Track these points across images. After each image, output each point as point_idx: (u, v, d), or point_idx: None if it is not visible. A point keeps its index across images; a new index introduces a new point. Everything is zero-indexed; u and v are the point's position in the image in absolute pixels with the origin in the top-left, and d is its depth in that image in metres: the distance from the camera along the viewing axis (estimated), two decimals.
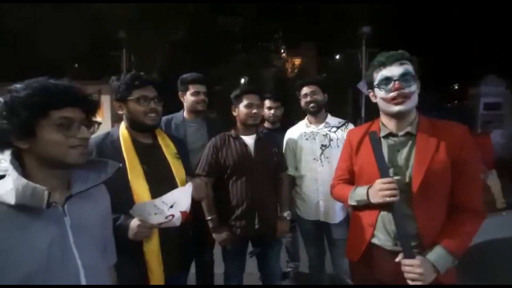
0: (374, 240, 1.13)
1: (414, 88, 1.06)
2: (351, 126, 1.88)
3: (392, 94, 1.06)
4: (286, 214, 1.75)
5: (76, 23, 13.27)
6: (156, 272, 1.19)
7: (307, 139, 1.90)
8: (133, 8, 13.42)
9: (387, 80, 1.07)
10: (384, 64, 1.08)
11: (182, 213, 1.15)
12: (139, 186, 1.18)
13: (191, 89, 1.94)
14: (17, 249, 0.66)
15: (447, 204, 1.06)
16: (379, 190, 1.05)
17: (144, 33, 13.87)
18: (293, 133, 1.99)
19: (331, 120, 1.93)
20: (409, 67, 1.06)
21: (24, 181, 0.68)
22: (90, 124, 0.80)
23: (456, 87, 22.09)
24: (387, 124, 1.14)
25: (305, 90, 1.92)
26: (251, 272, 1.90)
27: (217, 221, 1.64)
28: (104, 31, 13.50)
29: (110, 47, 14.22)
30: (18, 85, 0.71)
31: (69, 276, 0.73)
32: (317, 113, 1.92)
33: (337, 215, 1.81)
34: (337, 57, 18.17)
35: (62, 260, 0.72)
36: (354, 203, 1.18)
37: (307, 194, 1.88)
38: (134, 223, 1.10)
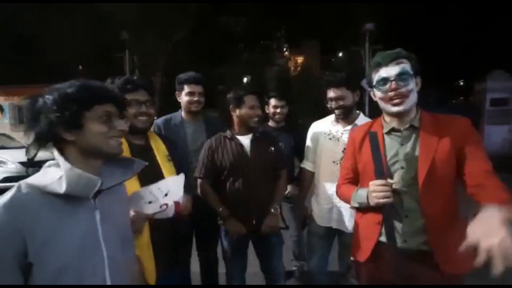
0: (382, 238, 1.12)
1: (411, 86, 1.06)
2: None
3: (389, 94, 1.06)
4: (274, 208, 1.68)
5: (79, 25, 13.36)
6: (147, 266, 1.21)
7: (330, 139, 1.76)
8: (136, 9, 13.47)
9: (384, 80, 1.07)
10: (380, 65, 1.09)
11: (175, 203, 1.19)
12: (132, 187, 1.19)
13: (186, 89, 1.92)
14: (57, 238, 0.72)
15: (452, 198, 1.06)
16: (372, 191, 1.05)
17: (147, 34, 13.91)
18: (317, 129, 1.88)
19: (362, 121, 1.71)
20: (406, 65, 1.06)
21: (78, 171, 0.74)
22: (123, 118, 0.88)
23: (462, 83, 21.80)
24: (389, 121, 1.14)
25: (330, 93, 1.72)
26: (256, 272, 1.89)
27: (226, 211, 1.63)
28: (107, 33, 13.57)
29: (113, 49, 14.30)
30: (61, 85, 0.79)
31: (96, 266, 0.78)
32: (346, 117, 1.74)
33: (351, 224, 1.69)
34: (340, 54, 18.04)
35: (92, 251, 0.78)
36: (356, 205, 1.17)
37: (322, 198, 1.79)
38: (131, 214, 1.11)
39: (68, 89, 0.77)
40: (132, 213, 1.12)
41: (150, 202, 1.15)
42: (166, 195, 1.17)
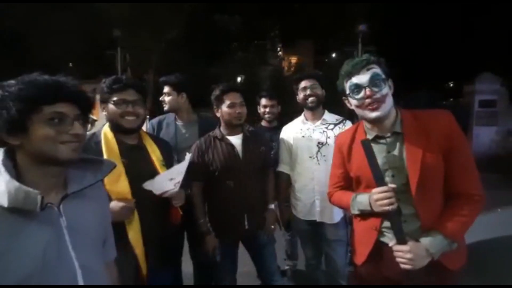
0: (383, 239, 1.12)
1: (386, 90, 1.05)
2: (348, 123, 1.84)
3: (366, 101, 1.06)
4: (273, 205, 1.74)
5: (71, 22, 13.11)
6: (141, 258, 1.22)
7: (303, 136, 1.85)
8: (128, 7, 13.28)
9: (357, 88, 1.07)
10: (351, 73, 1.09)
11: (182, 180, 1.31)
12: (120, 183, 1.21)
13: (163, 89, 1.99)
14: (11, 252, 0.66)
15: (444, 194, 1.06)
16: (376, 200, 1.05)
17: (139, 31, 13.74)
18: (289, 130, 1.95)
19: (328, 117, 1.87)
20: (377, 70, 1.06)
21: (16, 184, 0.66)
22: (85, 120, 0.78)
23: (452, 84, 22.25)
24: (371, 128, 1.14)
25: (304, 83, 1.85)
26: (248, 271, 1.89)
27: (206, 226, 1.61)
28: (99, 30, 13.35)
29: (105, 46, 14.07)
30: (10, 81, 0.70)
31: (66, 277, 0.72)
32: (316, 108, 1.85)
33: (335, 215, 1.77)
34: (334, 55, 18.19)
35: (59, 261, 0.71)
36: (357, 212, 1.17)
37: (303, 193, 1.83)
38: (116, 204, 1.15)
39: (13, 87, 0.68)
40: (120, 204, 1.15)
41: (171, 179, 1.26)
42: (181, 172, 1.30)
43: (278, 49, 24.38)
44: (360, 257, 1.18)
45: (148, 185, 1.22)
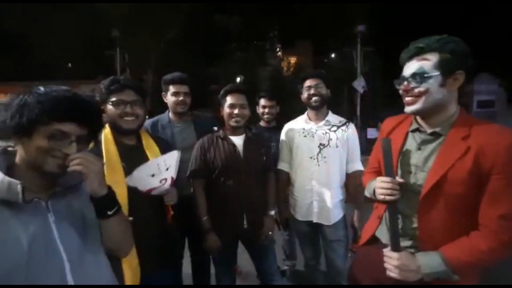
0: (377, 233, 1.14)
1: (426, 87, 0.95)
2: (352, 126, 1.84)
3: (402, 93, 1.03)
4: (273, 212, 1.73)
5: (70, 22, 13.10)
6: (131, 263, 1.18)
7: (305, 136, 1.83)
8: (127, 7, 13.27)
9: (401, 78, 1.03)
10: (403, 60, 1.04)
11: (172, 178, 1.24)
12: (117, 184, 1.16)
13: (171, 89, 1.89)
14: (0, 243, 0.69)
15: (458, 216, 0.94)
16: (378, 188, 1.04)
17: (138, 31, 13.73)
18: (291, 128, 1.93)
19: (332, 118, 1.85)
20: (427, 63, 0.95)
21: (0, 175, 0.71)
22: (88, 141, 0.83)
23: None
24: (418, 119, 1.08)
25: (308, 82, 1.82)
26: (248, 271, 1.89)
27: (208, 224, 1.61)
28: (97, 30, 13.34)
29: (104, 46, 14.06)
30: (40, 88, 0.77)
31: (54, 270, 0.75)
32: (320, 108, 1.82)
33: (332, 216, 1.76)
34: (333, 55, 18.23)
35: (46, 254, 0.74)
36: (368, 195, 1.20)
37: (301, 193, 1.82)
38: None
39: (35, 95, 0.75)
40: None
41: (153, 175, 1.19)
42: (167, 169, 1.22)
43: (277, 49, 24.39)
44: (361, 241, 1.22)
45: (129, 181, 1.18)
